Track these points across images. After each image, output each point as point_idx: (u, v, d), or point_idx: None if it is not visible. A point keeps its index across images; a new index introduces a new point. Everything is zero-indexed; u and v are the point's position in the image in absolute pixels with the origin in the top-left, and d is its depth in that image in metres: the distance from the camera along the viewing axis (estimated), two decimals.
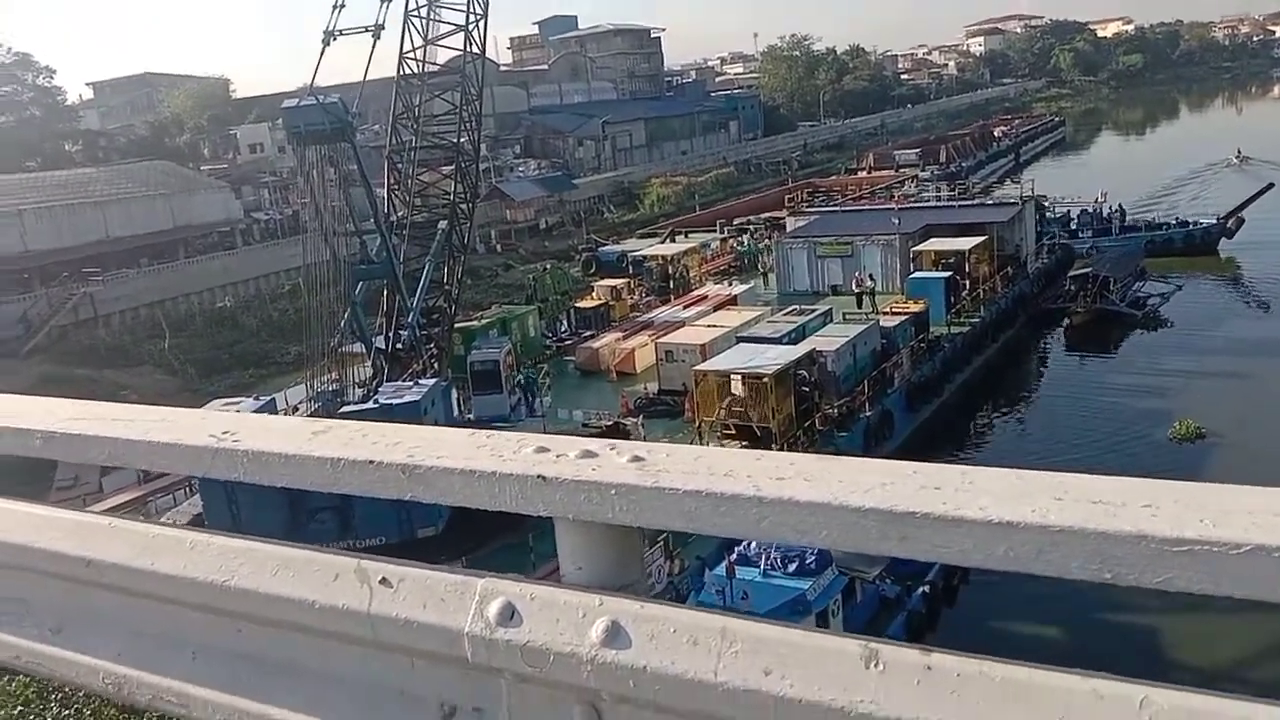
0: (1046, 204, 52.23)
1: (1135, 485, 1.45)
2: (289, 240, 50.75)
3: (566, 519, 1.75)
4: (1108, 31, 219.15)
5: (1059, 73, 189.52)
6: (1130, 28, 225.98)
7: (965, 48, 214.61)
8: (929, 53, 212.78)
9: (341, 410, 23.04)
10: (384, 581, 1.89)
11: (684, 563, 19.74)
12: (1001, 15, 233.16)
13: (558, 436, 1.95)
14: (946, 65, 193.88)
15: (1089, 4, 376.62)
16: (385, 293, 28.30)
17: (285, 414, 24.64)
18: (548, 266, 43.20)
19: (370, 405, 22.74)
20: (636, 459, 1.74)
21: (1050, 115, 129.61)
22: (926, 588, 19.89)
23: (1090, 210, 51.26)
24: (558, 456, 1.79)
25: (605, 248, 53.66)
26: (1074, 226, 50.28)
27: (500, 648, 1.72)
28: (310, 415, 23.70)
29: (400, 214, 29.36)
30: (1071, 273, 41.58)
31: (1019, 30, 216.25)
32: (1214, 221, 48.33)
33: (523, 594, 1.76)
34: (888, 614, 19.47)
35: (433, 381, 24.89)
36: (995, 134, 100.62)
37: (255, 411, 21.72)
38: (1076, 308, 38.95)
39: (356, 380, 26.24)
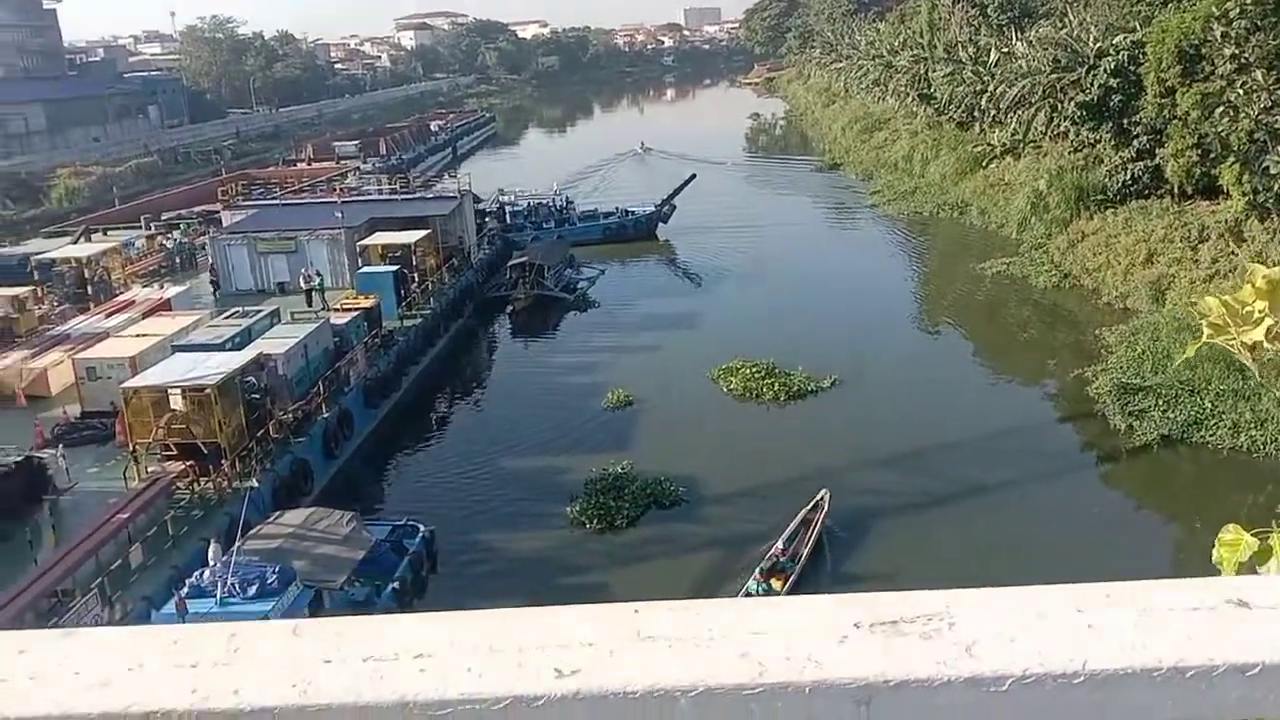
0: (506, 198, 54.85)
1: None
2: None
3: None
4: (527, 33, 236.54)
5: (487, 70, 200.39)
6: (546, 30, 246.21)
7: (397, 40, 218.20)
8: (361, 44, 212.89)
9: None
10: None
11: (125, 608, 17.51)
12: (429, 11, 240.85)
13: None
14: (380, 58, 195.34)
15: (508, 6, 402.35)
16: None
17: None
18: None
19: None
20: None
21: (482, 111, 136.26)
22: (396, 584, 19.77)
23: (546, 204, 54.48)
24: None
25: (1, 250, 46.01)
26: (535, 219, 52.79)
27: None
28: None
29: None
30: (511, 262, 43.99)
31: (446, 27, 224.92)
32: (652, 209, 54.05)
33: None
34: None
35: None
36: (432, 128, 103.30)
37: None
38: (517, 295, 41.38)
39: None
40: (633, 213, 54.13)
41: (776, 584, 19.53)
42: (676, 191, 54.39)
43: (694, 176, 56.19)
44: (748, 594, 18.87)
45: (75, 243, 44.91)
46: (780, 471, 24.63)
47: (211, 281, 39.73)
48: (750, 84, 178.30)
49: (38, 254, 41.52)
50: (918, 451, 25.81)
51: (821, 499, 22.40)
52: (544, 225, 52.34)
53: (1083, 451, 26.42)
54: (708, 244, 51.75)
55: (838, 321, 37.97)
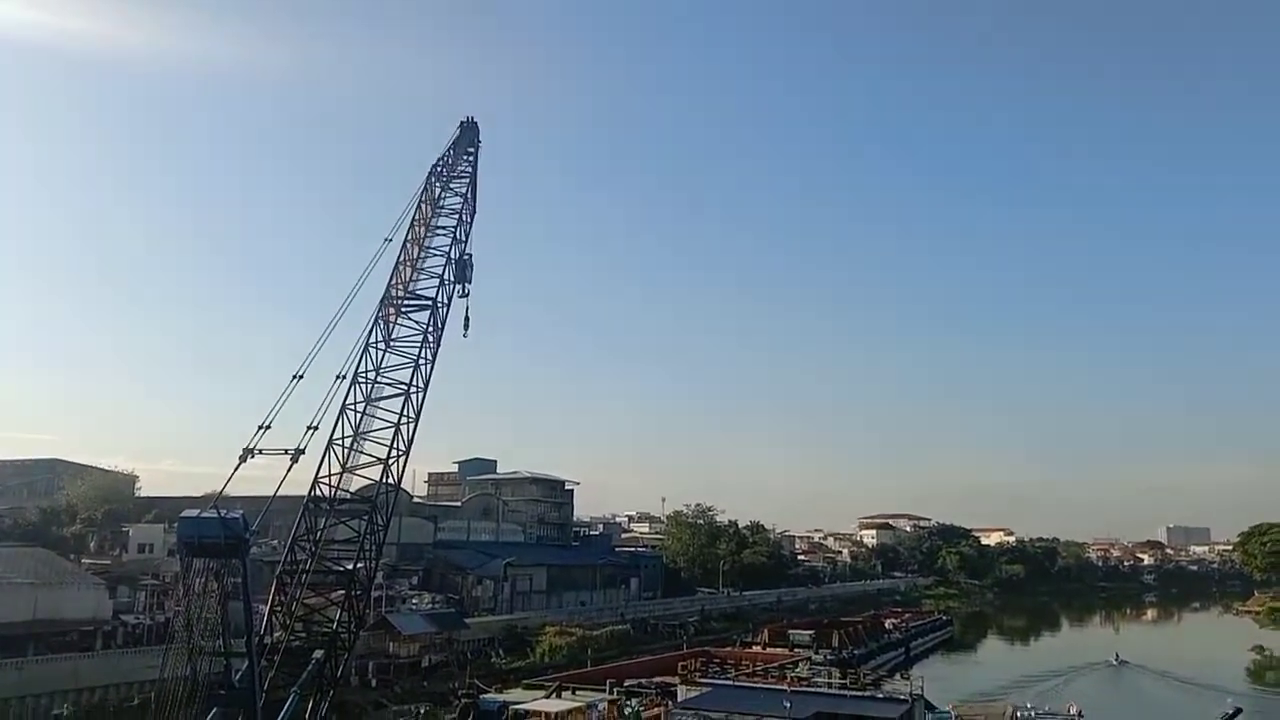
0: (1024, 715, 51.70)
1: None
2: (152, 649, 47.52)
3: None
4: (990, 540, 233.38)
5: (946, 573, 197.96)
6: (1011, 539, 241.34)
7: (859, 538, 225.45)
8: (825, 538, 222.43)
9: None
10: None
11: None
12: (893, 512, 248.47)
13: None
14: (841, 553, 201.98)
15: (972, 512, 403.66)
16: None
17: None
18: (421, 711, 40.63)
19: None
20: None
21: (939, 613, 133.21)
22: None
23: None
24: None
25: (487, 695, 50.91)
26: None
27: None
28: None
29: (276, 635, 27.93)
30: None
31: (909, 529, 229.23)
32: None
33: None
34: None
35: None
36: (886, 624, 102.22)
37: None
38: None
39: None
40: None
41: None
42: None
43: (1240, 711, 49.67)
44: None
45: (548, 697, 48.73)
46: None
47: None
48: (1249, 612, 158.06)
49: (515, 704, 45.49)
50: None
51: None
52: None
53: None
54: None
55: None
